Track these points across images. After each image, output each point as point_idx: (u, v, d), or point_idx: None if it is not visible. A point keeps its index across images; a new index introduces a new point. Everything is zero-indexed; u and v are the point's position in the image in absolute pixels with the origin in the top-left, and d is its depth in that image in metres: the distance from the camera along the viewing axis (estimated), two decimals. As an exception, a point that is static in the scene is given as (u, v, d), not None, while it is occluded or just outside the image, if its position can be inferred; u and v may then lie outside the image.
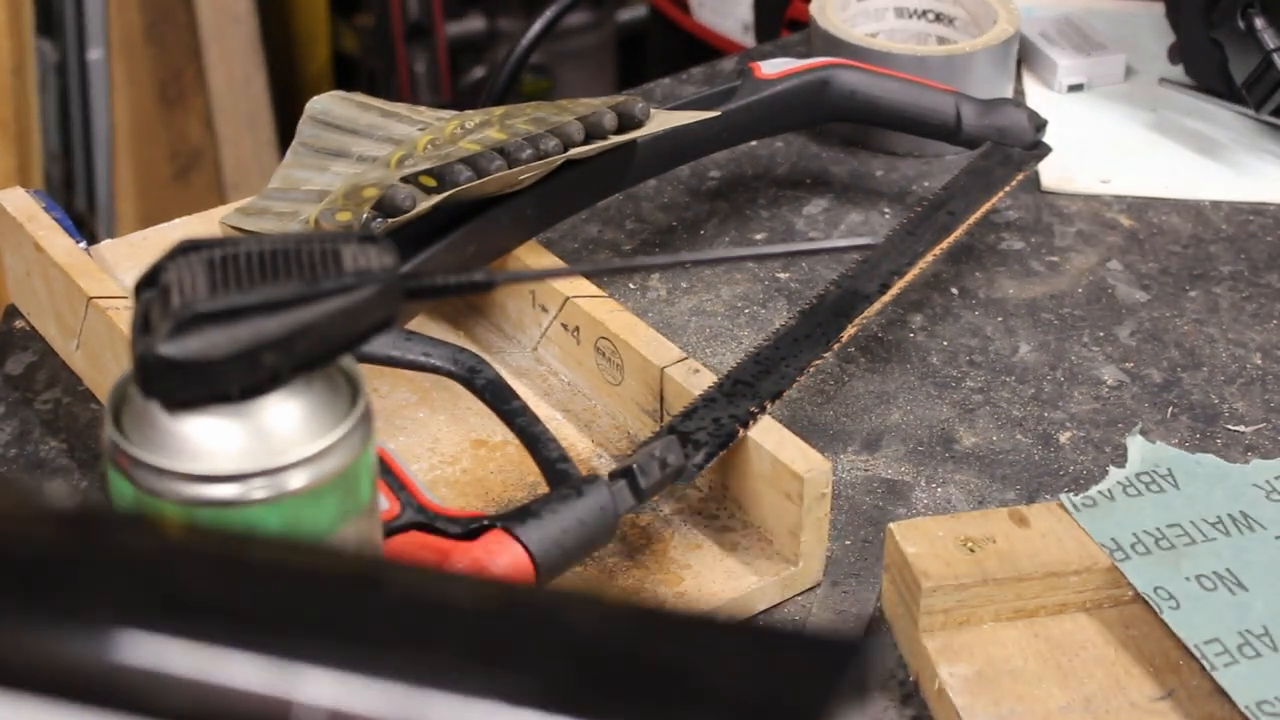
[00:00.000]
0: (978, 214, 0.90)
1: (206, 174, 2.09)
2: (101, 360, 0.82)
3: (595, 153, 0.84)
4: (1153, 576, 0.69)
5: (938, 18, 1.12)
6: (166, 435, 0.54)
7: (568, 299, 0.83)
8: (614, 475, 0.70)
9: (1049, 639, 0.69)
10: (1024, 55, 1.15)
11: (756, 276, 0.94)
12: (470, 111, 0.87)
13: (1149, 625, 0.69)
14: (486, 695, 0.33)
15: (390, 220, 0.79)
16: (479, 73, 2.24)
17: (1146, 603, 0.69)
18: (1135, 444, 0.79)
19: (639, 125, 0.85)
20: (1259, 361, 0.88)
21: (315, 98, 0.92)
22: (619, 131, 0.85)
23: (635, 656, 0.34)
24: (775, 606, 0.74)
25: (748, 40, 1.64)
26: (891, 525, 0.70)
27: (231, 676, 0.33)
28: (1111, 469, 0.77)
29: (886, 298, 0.83)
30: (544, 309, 0.85)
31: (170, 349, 0.52)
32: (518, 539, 0.67)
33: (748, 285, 0.93)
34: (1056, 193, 1.03)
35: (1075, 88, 1.13)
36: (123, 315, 0.80)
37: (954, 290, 0.94)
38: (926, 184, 1.03)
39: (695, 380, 0.77)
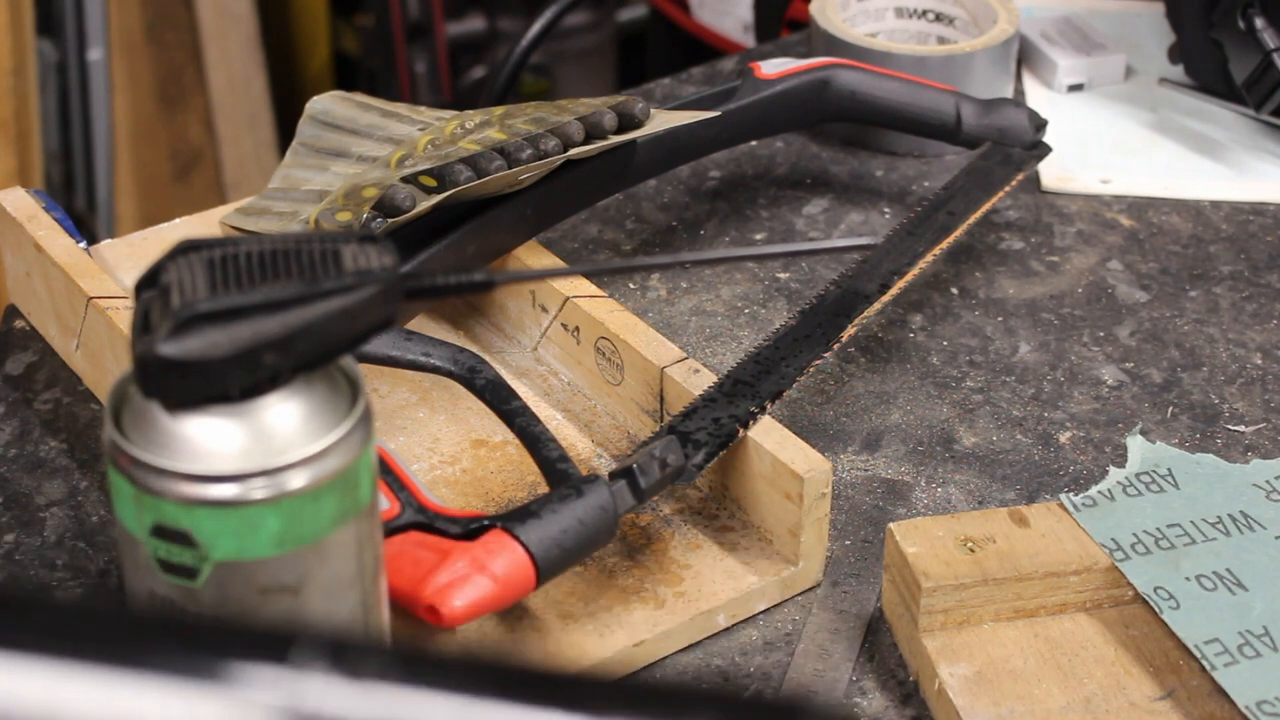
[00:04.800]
0: (978, 214, 0.90)
1: (206, 174, 2.09)
2: (101, 360, 0.82)
3: (595, 153, 0.84)
4: (1153, 576, 0.69)
5: (938, 18, 1.12)
6: (166, 435, 0.54)
7: (568, 299, 0.83)
8: (614, 475, 0.70)
9: (1049, 639, 0.69)
10: (1024, 55, 1.15)
11: (756, 276, 0.94)
12: (470, 111, 0.87)
13: (1149, 625, 0.69)
14: None
15: (390, 220, 0.79)
16: (479, 73, 2.24)
17: (1146, 603, 0.69)
18: (1135, 444, 0.79)
19: (639, 125, 0.85)
20: (1259, 361, 0.88)
21: (315, 98, 0.92)
22: (619, 131, 0.85)
23: None
24: (775, 606, 0.74)
25: (748, 40, 1.64)
26: (891, 525, 0.70)
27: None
28: (1111, 469, 0.77)
29: (886, 298, 0.83)
30: (544, 309, 0.85)
31: (170, 349, 0.52)
32: (518, 539, 0.67)
33: (748, 285, 0.93)
34: (1056, 193, 1.03)
35: (1075, 88, 1.13)
36: (123, 315, 0.80)
37: (954, 290, 0.94)
38: (926, 184, 1.03)
39: (695, 380, 0.77)
